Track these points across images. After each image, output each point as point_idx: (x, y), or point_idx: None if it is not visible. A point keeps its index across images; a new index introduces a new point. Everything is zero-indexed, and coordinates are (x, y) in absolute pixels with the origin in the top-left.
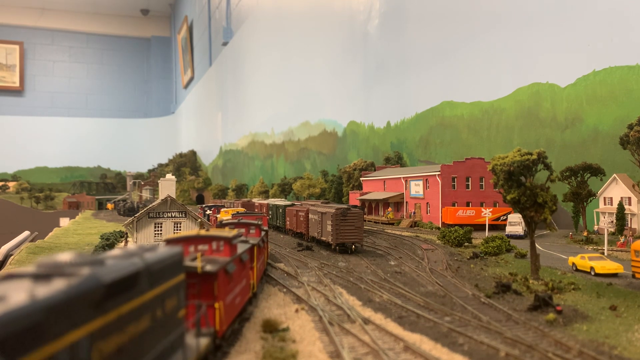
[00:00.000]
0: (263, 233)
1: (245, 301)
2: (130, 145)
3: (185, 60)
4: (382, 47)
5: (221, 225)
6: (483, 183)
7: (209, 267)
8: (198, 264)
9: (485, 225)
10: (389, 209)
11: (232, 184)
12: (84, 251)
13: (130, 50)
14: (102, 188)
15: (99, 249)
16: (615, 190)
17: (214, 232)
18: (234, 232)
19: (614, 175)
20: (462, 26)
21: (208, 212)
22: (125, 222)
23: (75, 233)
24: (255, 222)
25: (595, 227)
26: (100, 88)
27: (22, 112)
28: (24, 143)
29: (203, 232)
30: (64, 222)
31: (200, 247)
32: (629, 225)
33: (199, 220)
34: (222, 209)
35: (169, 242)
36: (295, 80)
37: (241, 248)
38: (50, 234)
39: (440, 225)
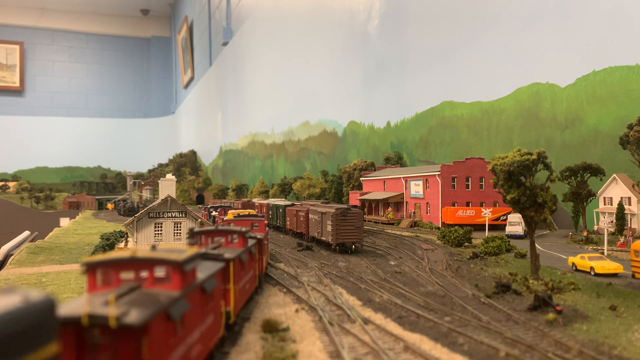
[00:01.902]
0: (251, 242)
1: (210, 349)
2: (130, 145)
3: (185, 60)
4: (382, 47)
5: (191, 234)
6: (483, 183)
7: (132, 317)
8: (110, 311)
9: (485, 225)
10: (389, 209)
11: (232, 184)
12: (83, 251)
13: (130, 50)
14: (102, 188)
15: (99, 249)
16: (615, 190)
17: (159, 252)
18: (192, 250)
19: (614, 175)
20: (462, 26)
21: (214, 213)
22: (126, 222)
23: (76, 233)
24: (239, 229)
25: (595, 227)
26: (100, 88)
27: (22, 112)
28: (24, 143)
29: (144, 251)
30: (64, 222)
31: (144, 273)
32: (629, 225)
33: (199, 220)
34: (230, 211)
35: (88, 266)
36: (295, 80)
37: (206, 271)
38: (50, 234)
39: (440, 225)
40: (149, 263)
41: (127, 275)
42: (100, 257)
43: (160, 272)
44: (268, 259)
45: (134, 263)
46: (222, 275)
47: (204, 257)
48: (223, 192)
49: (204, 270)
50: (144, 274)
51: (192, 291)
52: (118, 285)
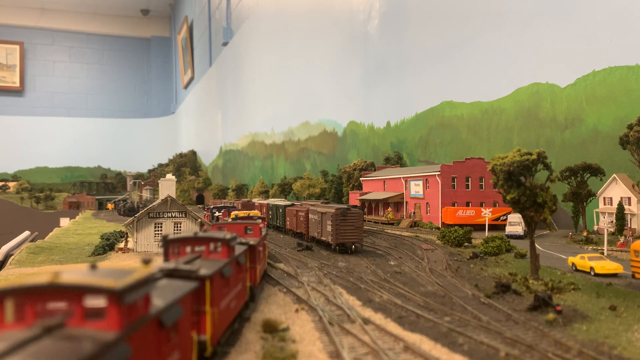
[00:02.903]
0: (240, 250)
1: None
2: (130, 145)
3: (185, 61)
4: (382, 47)
5: (165, 242)
6: (483, 183)
7: None
8: None
9: (485, 225)
10: (389, 209)
11: (232, 184)
12: (84, 251)
13: (130, 50)
14: (102, 188)
15: (99, 249)
16: (615, 191)
17: (95, 275)
18: (142, 272)
19: (614, 175)
20: (462, 26)
21: (217, 214)
22: (126, 222)
23: (76, 233)
24: (222, 236)
25: (595, 227)
26: (100, 88)
27: (22, 112)
28: (24, 143)
29: (75, 272)
30: (64, 222)
31: (72, 305)
32: (629, 225)
33: (199, 220)
34: (234, 212)
35: None
36: (295, 80)
37: (169, 295)
38: (50, 234)
39: (440, 225)
40: (76, 292)
41: (53, 305)
42: (11, 283)
43: (91, 304)
44: (265, 266)
45: (56, 291)
46: (195, 297)
47: (173, 274)
48: (223, 192)
49: (167, 295)
50: (71, 307)
51: (140, 329)
52: (33, 323)
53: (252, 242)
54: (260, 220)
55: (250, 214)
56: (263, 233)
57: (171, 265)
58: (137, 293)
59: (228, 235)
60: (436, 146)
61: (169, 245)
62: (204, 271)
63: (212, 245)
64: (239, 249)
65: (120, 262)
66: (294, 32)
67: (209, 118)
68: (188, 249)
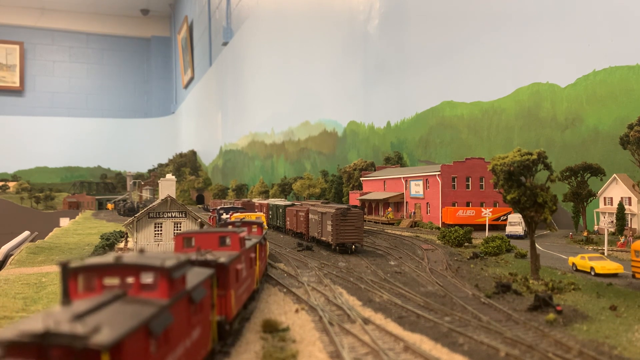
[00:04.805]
0: (195, 280)
1: None
2: (130, 145)
3: (185, 60)
4: (382, 47)
5: (65, 272)
6: (483, 183)
7: None
8: None
9: (485, 225)
10: (389, 209)
11: (232, 184)
12: (83, 251)
13: (130, 50)
14: (102, 188)
15: (99, 249)
16: (615, 190)
17: None
18: None
19: (614, 175)
20: (462, 26)
21: (225, 216)
22: (125, 222)
23: (75, 233)
24: (159, 263)
25: (596, 227)
26: (100, 88)
27: (22, 112)
28: (24, 143)
29: None
30: (64, 222)
31: None
32: (629, 225)
33: (199, 220)
34: (236, 213)
35: None
36: (295, 80)
37: None
38: (50, 234)
39: (440, 225)
40: None
41: None
42: None
43: None
44: (253, 286)
45: None
46: None
47: (43, 343)
48: (223, 192)
49: None
50: None
51: None
52: None
53: (222, 260)
54: (256, 228)
55: (249, 217)
56: (248, 244)
57: (38, 325)
58: None
59: (170, 262)
60: (436, 146)
61: (73, 278)
62: (105, 334)
63: (144, 277)
64: (195, 278)
65: None
66: (294, 32)
67: (209, 118)
68: (111, 281)
